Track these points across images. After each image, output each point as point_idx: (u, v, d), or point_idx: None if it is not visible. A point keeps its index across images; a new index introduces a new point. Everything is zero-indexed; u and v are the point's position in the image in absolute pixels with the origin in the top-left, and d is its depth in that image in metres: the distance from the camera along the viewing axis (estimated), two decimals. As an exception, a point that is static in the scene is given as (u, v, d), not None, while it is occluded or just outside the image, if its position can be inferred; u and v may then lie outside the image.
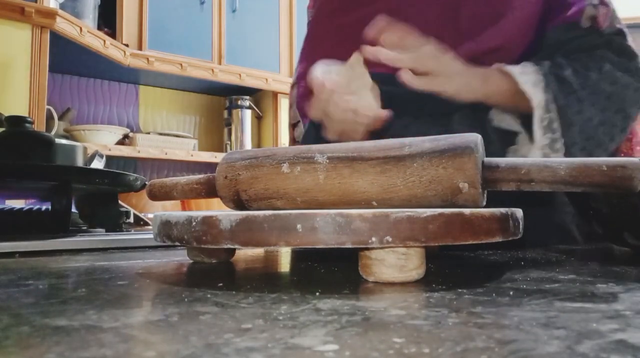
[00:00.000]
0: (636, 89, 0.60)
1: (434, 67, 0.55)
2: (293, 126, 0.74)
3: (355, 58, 0.55)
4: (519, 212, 0.32)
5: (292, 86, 0.76)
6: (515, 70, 0.57)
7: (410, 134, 0.37)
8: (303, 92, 0.71)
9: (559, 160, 0.31)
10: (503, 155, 0.57)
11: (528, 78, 0.57)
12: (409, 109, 0.62)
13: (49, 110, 1.66)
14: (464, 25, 0.61)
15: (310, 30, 0.74)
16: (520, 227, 0.32)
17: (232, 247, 0.28)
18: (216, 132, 2.46)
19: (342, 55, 0.62)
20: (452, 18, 0.61)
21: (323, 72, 0.58)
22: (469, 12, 0.61)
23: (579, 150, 0.57)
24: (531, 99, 0.56)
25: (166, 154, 2.06)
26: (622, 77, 0.59)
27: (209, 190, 0.42)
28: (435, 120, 0.61)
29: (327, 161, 0.35)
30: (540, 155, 0.56)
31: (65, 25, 1.66)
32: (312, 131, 0.65)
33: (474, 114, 0.61)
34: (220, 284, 0.27)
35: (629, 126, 0.60)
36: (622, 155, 0.68)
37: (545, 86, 0.56)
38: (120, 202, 0.72)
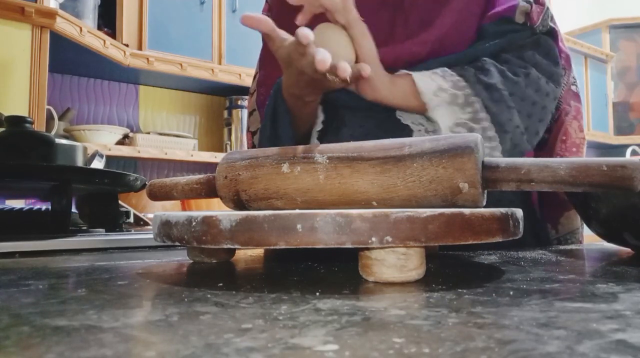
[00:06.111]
0: (554, 98, 0.61)
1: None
2: (252, 133, 0.73)
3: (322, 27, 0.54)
4: (519, 212, 0.32)
5: (252, 94, 0.75)
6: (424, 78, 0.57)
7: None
8: (264, 99, 0.71)
9: (559, 160, 0.31)
10: None
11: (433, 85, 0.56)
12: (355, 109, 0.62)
13: (49, 110, 1.66)
14: (413, 26, 0.61)
15: None
16: (520, 227, 0.32)
17: (232, 247, 0.28)
18: (216, 132, 2.45)
19: None
20: (403, 21, 0.61)
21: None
22: (417, 15, 0.61)
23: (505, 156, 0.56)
24: (435, 115, 0.56)
25: (166, 154, 2.06)
26: (545, 86, 0.60)
27: (209, 190, 0.42)
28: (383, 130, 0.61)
29: (327, 161, 0.35)
30: None
31: (65, 25, 1.66)
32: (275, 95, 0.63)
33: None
34: (220, 284, 0.27)
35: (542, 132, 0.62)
36: (558, 157, 0.67)
37: (470, 94, 0.56)
38: (120, 202, 0.72)
